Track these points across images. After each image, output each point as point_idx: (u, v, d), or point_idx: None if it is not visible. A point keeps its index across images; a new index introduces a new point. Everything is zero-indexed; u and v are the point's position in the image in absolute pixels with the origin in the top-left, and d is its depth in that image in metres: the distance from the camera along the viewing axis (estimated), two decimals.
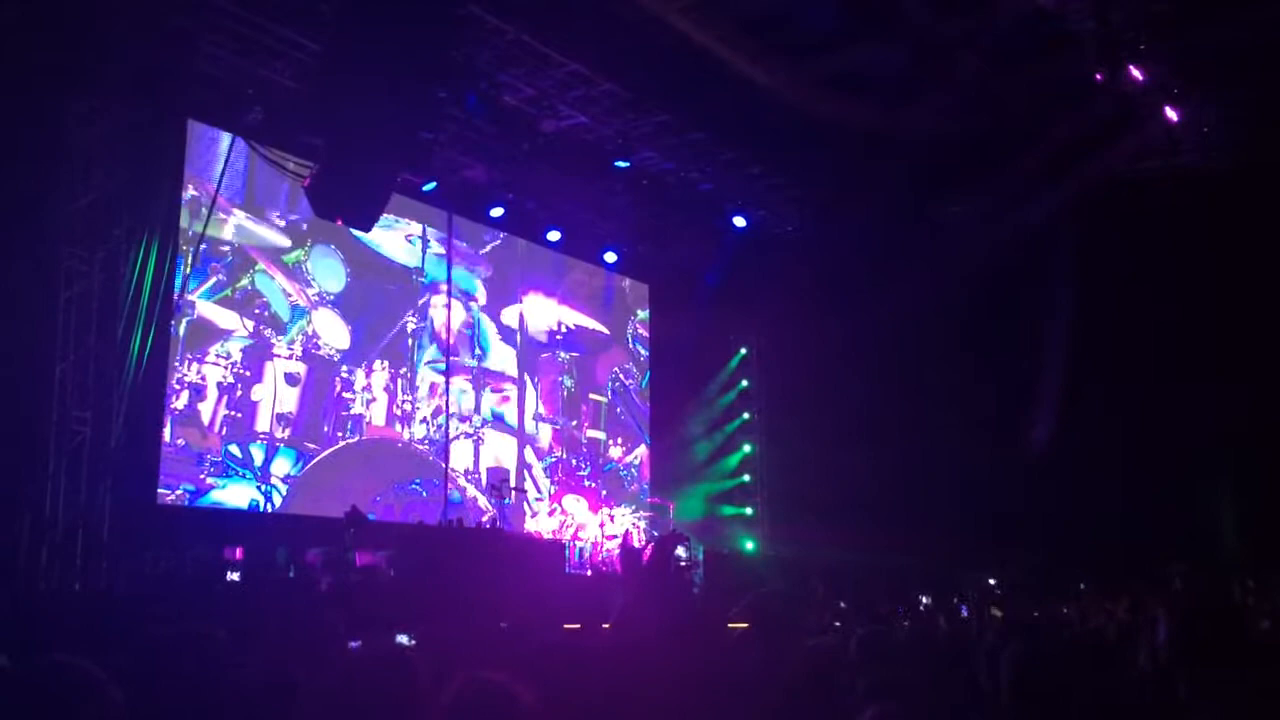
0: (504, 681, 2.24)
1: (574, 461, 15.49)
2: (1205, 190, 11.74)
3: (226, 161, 11.32)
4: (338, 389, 12.64)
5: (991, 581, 11.24)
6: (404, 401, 13.34)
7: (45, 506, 9.29)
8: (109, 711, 2.44)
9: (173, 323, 10.93)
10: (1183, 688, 3.01)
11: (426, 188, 12.86)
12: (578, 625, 7.89)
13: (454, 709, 2.23)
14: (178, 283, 10.93)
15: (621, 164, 13.34)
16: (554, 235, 14.90)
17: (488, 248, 14.68)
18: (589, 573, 13.20)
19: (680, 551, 12.27)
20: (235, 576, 9.36)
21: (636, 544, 13.20)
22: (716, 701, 2.87)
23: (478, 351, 14.38)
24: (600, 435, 16.05)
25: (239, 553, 9.76)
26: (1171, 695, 3.06)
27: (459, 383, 13.99)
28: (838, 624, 7.67)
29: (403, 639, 7.37)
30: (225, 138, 11.46)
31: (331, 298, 12.75)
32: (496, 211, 13.89)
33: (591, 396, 16.03)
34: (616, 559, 13.67)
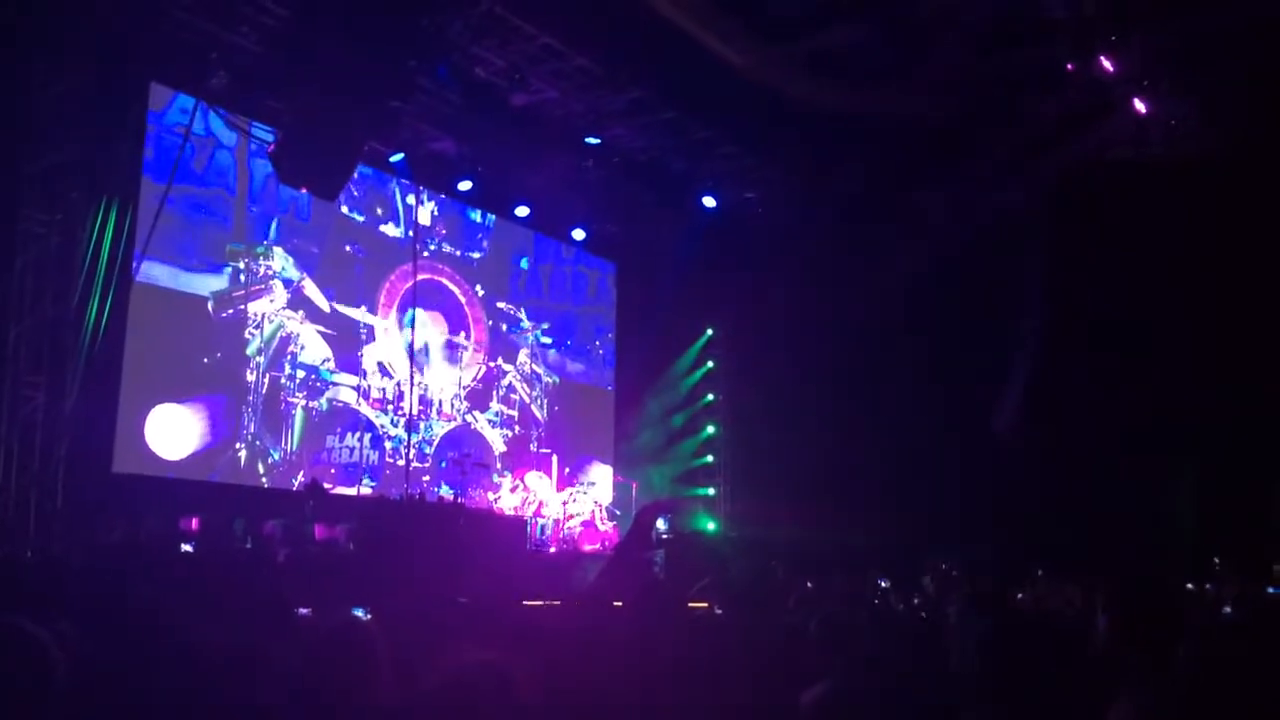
0: (498, 662, 2.21)
1: (534, 439, 15.43)
2: (1174, 180, 11.82)
3: (188, 131, 11.04)
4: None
5: (943, 565, 11.35)
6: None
7: None
8: (51, 671, 2.40)
9: None
10: (1123, 673, 3.06)
11: (394, 159, 12.70)
12: (539, 602, 7.88)
13: (446, 688, 2.20)
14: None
15: (592, 140, 13.25)
16: (522, 210, 14.80)
17: (458, 219, 14.53)
18: (551, 549, 13.19)
19: (660, 525, 12.23)
20: (189, 548, 9.25)
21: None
22: (694, 678, 2.86)
23: (442, 324, 14.27)
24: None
25: (194, 523, 9.65)
26: (1114, 680, 3.11)
27: (422, 356, 13.87)
28: (796, 605, 7.70)
29: (359, 613, 7.31)
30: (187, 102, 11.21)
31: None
32: (465, 185, 13.75)
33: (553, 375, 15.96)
34: (579, 537, 13.67)
